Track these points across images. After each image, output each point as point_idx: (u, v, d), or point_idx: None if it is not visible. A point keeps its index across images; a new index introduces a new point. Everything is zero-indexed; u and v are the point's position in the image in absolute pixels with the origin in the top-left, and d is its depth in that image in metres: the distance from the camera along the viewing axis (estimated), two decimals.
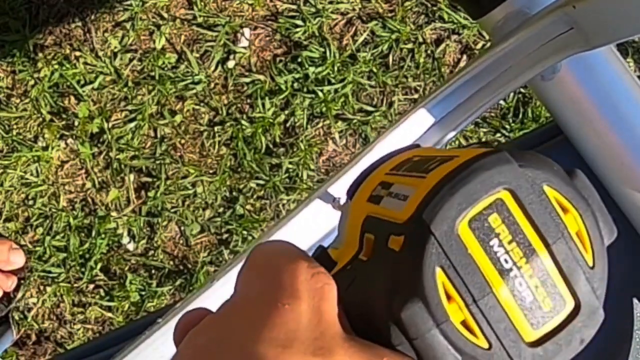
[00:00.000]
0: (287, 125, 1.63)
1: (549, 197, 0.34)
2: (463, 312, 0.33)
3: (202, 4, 1.64)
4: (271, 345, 0.32)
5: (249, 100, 1.63)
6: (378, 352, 0.33)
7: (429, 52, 1.65)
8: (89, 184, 1.63)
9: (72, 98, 1.63)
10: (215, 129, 1.62)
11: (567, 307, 0.34)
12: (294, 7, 1.64)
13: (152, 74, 1.63)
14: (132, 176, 1.62)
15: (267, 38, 1.65)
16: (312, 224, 0.64)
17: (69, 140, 1.63)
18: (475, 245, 0.33)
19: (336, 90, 1.63)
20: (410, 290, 0.33)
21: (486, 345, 0.33)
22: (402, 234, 0.34)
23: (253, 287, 0.35)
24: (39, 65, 1.62)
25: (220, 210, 1.62)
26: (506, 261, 0.33)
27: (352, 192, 0.40)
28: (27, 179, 1.62)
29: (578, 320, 0.34)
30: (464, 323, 0.33)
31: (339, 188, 0.64)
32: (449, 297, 0.33)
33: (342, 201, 0.61)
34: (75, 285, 1.61)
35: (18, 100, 1.63)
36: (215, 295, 0.65)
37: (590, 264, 0.34)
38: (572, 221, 0.34)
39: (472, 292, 0.33)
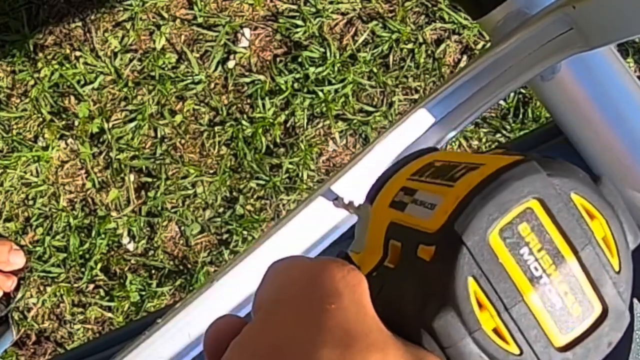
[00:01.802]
0: (288, 125, 1.63)
1: (577, 204, 0.35)
2: (494, 320, 0.34)
3: (203, 4, 1.64)
4: (334, 346, 0.32)
5: (249, 101, 1.63)
6: (420, 351, 0.33)
7: (429, 52, 1.65)
8: (89, 184, 1.63)
9: (72, 98, 1.63)
10: (216, 129, 1.62)
11: (595, 312, 0.35)
12: (294, 7, 1.64)
13: (153, 74, 1.63)
14: (132, 176, 1.62)
15: (268, 38, 1.65)
16: (312, 224, 0.64)
17: (69, 140, 1.63)
18: (505, 254, 0.34)
19: (336, 91, 1.63)
20: (442, 299, 0.33)
21: (517, 352, 0.34)
22: (433, 244, 0.34)
23: (290, 295, 0.35)
24: (39, 65, 1.62)
25: (221, 210, 1.62)
26: (536, 269, 0.34)
27: (372, 196, 0.40)
28: (27, 179, 1.62)
29: (606, 324, 0.35)
30: (496, 330, 0.34)
31: (340, 188, 0.64)
32: (480, 306, 0.34)
33: (346, 200, 0.61)
34: (75, 285, 1.61)
35: (18, 100, 1.63)
36: (215, 295, 0.65)
37: (617, 269, 0.35)
38: (599, 227, 0.35)
39: (504, 300, 0.34)
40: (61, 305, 1.62)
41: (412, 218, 0.37)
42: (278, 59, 1.64)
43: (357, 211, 0.42)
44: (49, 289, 1.61)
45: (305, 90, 1.63)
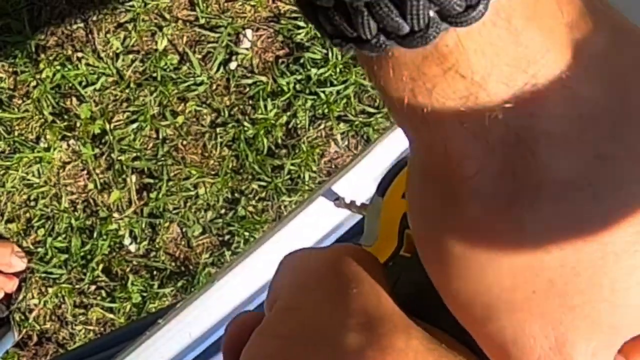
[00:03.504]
0: (289, 126, 1.63)
1: None
2: None
3: (205, 5, 1.64)
4: (359, 329, 0.31)
5: (251, 102, 1.63)
6: (442, 334, 0.32)
7: None
8: (90, 185, 1.63)
9: (74, 99, 1.63)
10: (217, 130, 1.62)
11: None
12: (296, 8, 1.64)
13: (154, 75, 1.63)
14: (133, 177, 1.62)
15: (270, 39, 1.65)
16: (313, 224, 0.64)
17: (71, 142, 1.63)
18: None
19: (338, 92, 1.63)
20: None
21: None
22: None
23: (310, 283, 0.35)
24: (41, 66, 1.63)
25: (222, 211, 1.62)
26: None
27: (383, 189, 0.40)
28: (29, 180, 1.62)
29: None
30: None
31: (341, 188, 0.64)
32: None
33: (347, 200, 0.61)
34: (77, 286, 1.61)
35: (20, 101, 1.63)
36: (216, 295, 0.65)
37: None
38: None
39: None
40: (63, 306, 1.62)
41: None
42: (280, 61, 1.64)
43: (363, 209, 0.42)
44: (50, 290, 1.61)
45: (307, 91, 1.63)
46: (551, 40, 0.26)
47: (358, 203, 0.59)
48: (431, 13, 0.24)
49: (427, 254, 0.31)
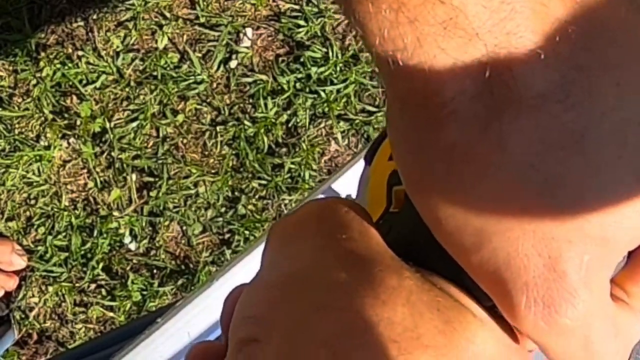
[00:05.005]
0: (290, 125, 1.63)
1: None
2: None
3: (205, 3, 1.64)
4: (352, 270, 0.31)
5: (251, 100, 1.63)
6: (434, 276, 0.32)
7: None
8: (91, 184, 1.63)
9: (75, 97, 1.63)
10: (218, 128, 1.62)
11: None
12: (297, 7, 1.64)
13: (155, 73, 1.63)
14: (134, 176, 1.62)
15: (270, 38, 1.65)
16: None
17: (71, 140, 1.63)
18: None
19: (338, 91, 1.63)
20: None
21: None
22: None
23: (299, 231, 0.34)
24: (41, 64, 1.63)
25: (222, 210, 1.62)
26: None
27: (370, 157, 0.40)
28: (29, 178, 1.62)
29: None
30: None
31: (341, 186, 0.64)
32: None
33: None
34: (77, 284, 1.61)
35: (20, 100, 1.63)
36: (215, 294, 0.65)
37: None
38: None
39: None
40: (63, 304, 1.62)
41: None
42: (280, 59, 1.64)
43: (360, 177, 0.42)
44: (50, 288, 1.61)
45: (307, 90, 1.63)
46: None
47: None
48: None
49: (413, 185, 0.30)
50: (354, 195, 0.61)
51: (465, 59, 0.27)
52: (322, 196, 0.65)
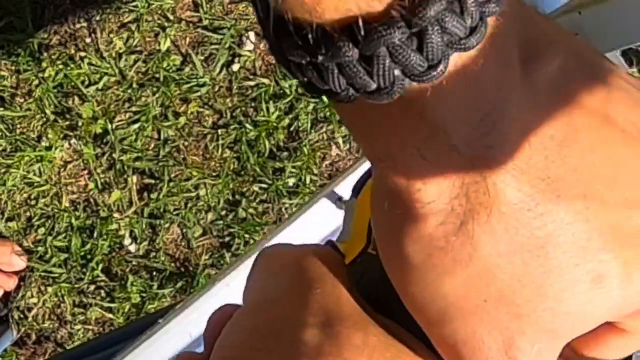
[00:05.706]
0: (291, 129, 1.63)
1: None
2: None
3: (208, 6, 1.64)
4: (320, 327, 0.34)
5: (253, 104, 1.63)
6: (400, 330, 0.35)
7: None
8: (91, 185, 1.63)
9: (76, 98, 1.63)
10: (219, 131, 1.62)
11: None
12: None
13: (157, 75, 1.63)
14: (134, 178, 1.62)
15: None
16: (314, 226, 0.64)
17: (73, 141, 1.63)
18: None
19: None
20: None
21: None
22: None
23: (280, 280, 0.38)
24: (44, 65, 1.63)
25: (223, 213, 1.62)
26: None
27: (357, 189, 0.42)
28: (29, 178, 1.62)
29: None
30: None
31: (343, 190, 0.64)
32: None
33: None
34: (76, 285, 1.61)
35: (22, 100, 1.64)
36: (216, 297, 0.65)
37: None
38: None
39: None
40: (62, 305, 1.62)
41: None
42: None
43: (346, 204, 0.44)
44: (49, 289, 1.61)
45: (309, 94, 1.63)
46: (506, 78, 0.29)
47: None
48: (396, 72, 0.27)
49: (387, 258, 0.33)
50: None
51: (443, 167, 0.30)
52: (322, 201, 0.66)
